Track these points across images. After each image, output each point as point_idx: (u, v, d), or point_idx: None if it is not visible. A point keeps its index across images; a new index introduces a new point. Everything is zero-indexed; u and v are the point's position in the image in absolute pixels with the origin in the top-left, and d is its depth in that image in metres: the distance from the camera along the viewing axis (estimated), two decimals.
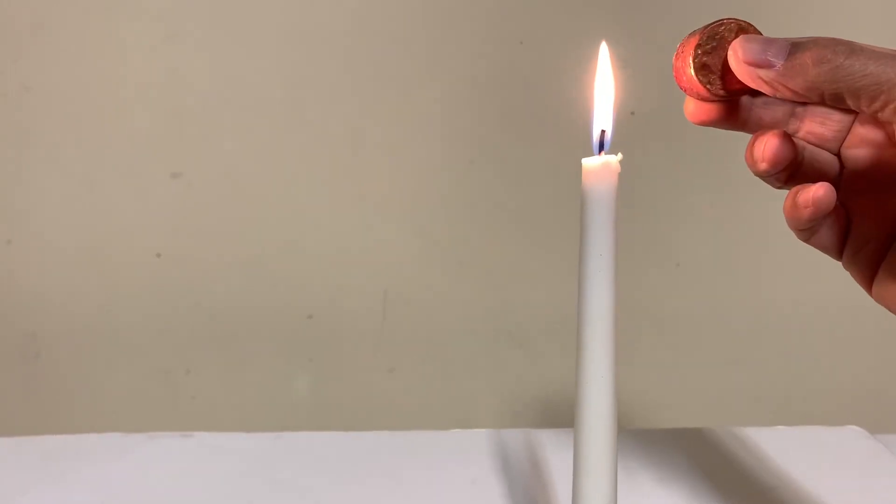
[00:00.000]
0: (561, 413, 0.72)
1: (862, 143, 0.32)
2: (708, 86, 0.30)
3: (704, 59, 0.30)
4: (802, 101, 0.30)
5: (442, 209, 0.71)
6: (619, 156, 0.29)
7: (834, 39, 0.28)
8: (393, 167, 0.70)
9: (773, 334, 0.73)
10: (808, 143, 0.32)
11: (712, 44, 0.30)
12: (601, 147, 0.30)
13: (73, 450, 0.53)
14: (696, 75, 0.30)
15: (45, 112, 0.67)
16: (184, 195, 0.69)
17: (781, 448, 0.54)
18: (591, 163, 0.29)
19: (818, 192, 0.30)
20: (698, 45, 0.30)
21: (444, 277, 0.72)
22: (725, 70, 0.30)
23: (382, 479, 0.50)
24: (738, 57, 0.29)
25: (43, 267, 0.70)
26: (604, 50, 0.31)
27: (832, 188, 0.30)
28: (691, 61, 0.30)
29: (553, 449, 0.54)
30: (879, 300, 0.33)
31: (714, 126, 0.32)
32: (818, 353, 0.73)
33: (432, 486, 0.50)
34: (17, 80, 0.67)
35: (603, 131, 0.30)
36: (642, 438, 0.55)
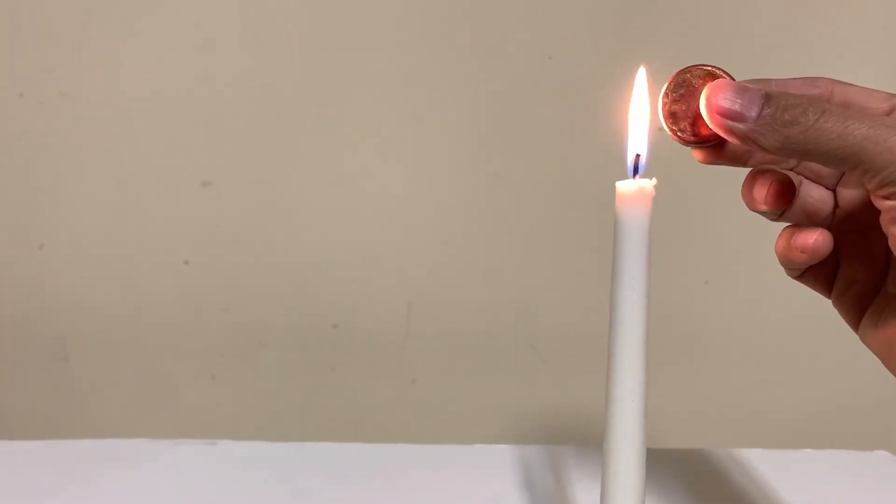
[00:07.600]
0: (584, 429, 0.72)
1: (856, 183, 0.31)
2: (679, 133, 0.30)
3: (673, 107, 0.30)
4: (772, 155, 0.28)
5: (467, 222, 0.71)
6: (654, 180, 0.29)
7: (807, 97, 0.27)
8: (419, 179, 0.70)
9: (802, 355, 0.72)
10: (805, 177, 0.32)
11: (680, 91, 0.30)
12: (635, 171, 0.30)
13: (100, 454, 0.54)
14: (666, 123, 0.30)
15: (80, 119, 0.69)
16: (213, 204, 0.70)
17: (808, 472, 0.54)
18: (625, 187, 0.29)
19: (818, 240, 0.30)
20: (666, 94, 0.30)
21: (469, 290, 0.72)
22: (697, 117, 0.29)
23: (404, 493, 0.50)
24: (709, 105, 0.28)
25: (73, 271, 0.71)
26: (641, 74, 0.30)
27: (829, 235, 0.30)
28: (660, 110, 0.30)
29: (576, 466, 0.53)
30: (864, 342, 0.32)
31: (720, 164, 0.31)
32: (848, 374, 0.72)
33: (453, 501, 0.50)
34: (54, 87, 0.68)
35: (638, 155, 0.30)
36: (668, 458, 0.54)
